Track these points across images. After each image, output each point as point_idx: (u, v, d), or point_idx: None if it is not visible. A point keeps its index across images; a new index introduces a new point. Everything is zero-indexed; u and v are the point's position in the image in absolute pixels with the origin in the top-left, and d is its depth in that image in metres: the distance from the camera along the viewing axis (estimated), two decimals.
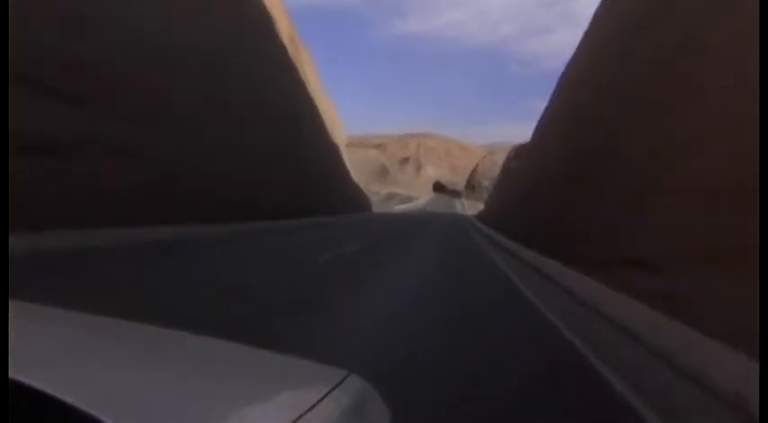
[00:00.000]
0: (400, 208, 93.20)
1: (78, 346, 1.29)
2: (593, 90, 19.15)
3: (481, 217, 57.80)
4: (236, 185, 24.27)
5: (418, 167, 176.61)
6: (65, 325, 1.47)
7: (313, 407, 1.12)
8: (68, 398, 0.89)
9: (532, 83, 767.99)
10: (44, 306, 1.54)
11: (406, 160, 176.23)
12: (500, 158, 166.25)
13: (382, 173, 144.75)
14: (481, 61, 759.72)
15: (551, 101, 30.49)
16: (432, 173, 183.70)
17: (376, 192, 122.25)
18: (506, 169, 43.34)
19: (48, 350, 1.19)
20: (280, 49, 35.78)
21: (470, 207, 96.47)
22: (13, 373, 0.92)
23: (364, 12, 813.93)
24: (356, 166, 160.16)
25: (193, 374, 1.25)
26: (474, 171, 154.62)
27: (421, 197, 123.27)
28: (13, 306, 1.34)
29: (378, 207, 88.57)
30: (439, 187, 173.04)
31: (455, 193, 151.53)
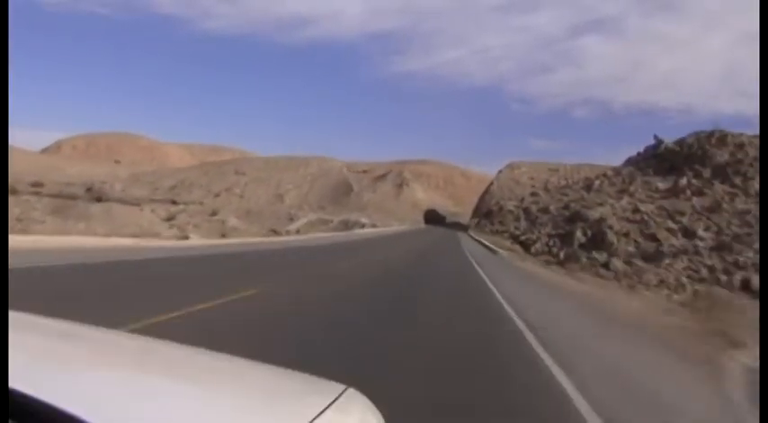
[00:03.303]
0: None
1: (77, 357, 1.42)
2: None
3: None
4: None
5: (399, 185, 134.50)
6: (63, 335, 1.63)
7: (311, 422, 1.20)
8: (68, 408, 0.96)
9: (533, 122, 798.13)
10: (43, 317, 1.70)
11: (381, 177, 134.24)
12: (524, 174, 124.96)
13: (343, 192, 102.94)
14: (481, 99, 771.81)
15: None
16: (423, 197, 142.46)
17: (324, 219, 79.57)
18: None
19: (48, 360, 1.31)
20: None
21: (503, 248, 52.67)
22: (12, 383, 0.99)
23: (363, 49, 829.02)
24: (302, 182, 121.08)
25: (189, 388, 1.34)
26: (486, 192, 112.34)
27: (401, 228, 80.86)
28: (13, 316, 1.48)
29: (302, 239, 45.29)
30: (434, 217, 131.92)
31: (458, 226, 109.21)
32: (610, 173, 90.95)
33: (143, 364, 1.49)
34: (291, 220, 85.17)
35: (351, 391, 1.41)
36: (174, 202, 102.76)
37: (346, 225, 77.80)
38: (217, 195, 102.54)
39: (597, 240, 63.47)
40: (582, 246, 64.86)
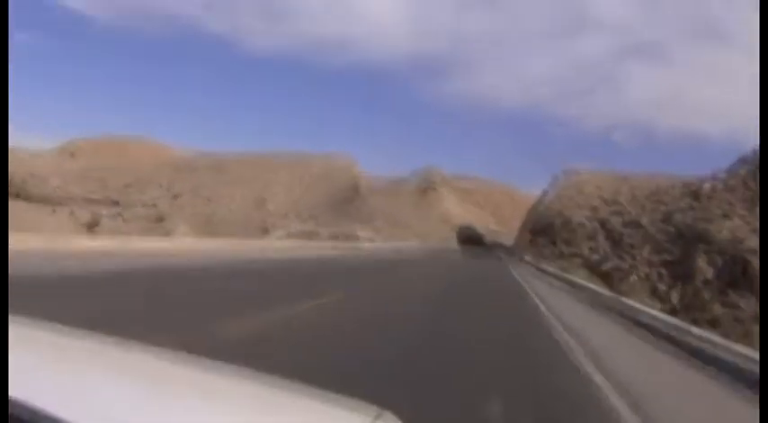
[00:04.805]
0: None
1: (80, 367, 1.39)
2: None
3: None
4: None
5: (424, 191, 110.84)
6: (66, 343, 1.59)
7: None
8: (69, 418, 0.97)
9: (572, 144, 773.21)
10: (44, 322, 1.63)
11: (401, 181, 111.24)
12: (587, 183, 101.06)
13: (347, 198, 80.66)
14: (519, 121, 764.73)
15: None
16: (457, 210, 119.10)
17: (310, 231, 57.45)
18: None
19: (48, 368, 1.28)
20: None
21: None
22: (13, 393, 1.01)
23: (407, 72, 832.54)
24: (297, 184, 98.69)
25: (209, 407, 1.29)
26: (539, 203, 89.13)
27: (410, 246, 58.40)
28: (14, 321, 1.46)
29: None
30: (469, 236, 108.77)
31: (502, 249, 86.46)
32: (722, 175, 66.44)
33: (157, 379, 1.40)
34: (266, 231, 63.44)
35: (386, 414, 1.32)
36: (116, 203, 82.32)
37: (338, 239, 54.89)
38: (176, 197, 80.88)
39: (735, 275, 39.66)
40: (708, 283, 41.03)
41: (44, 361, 1.28)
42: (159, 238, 41.42)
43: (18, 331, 1.38)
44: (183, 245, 34.22)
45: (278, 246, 44.01)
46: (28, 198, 72.44)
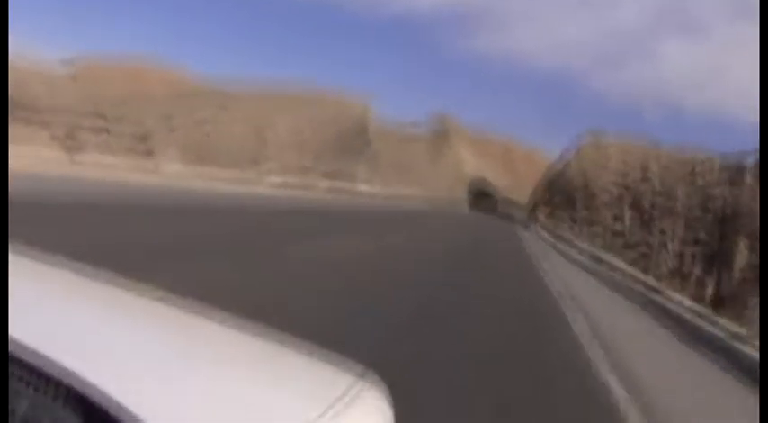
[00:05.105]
0: None
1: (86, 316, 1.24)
2: None
3: None
4: None
5: (437, 144, 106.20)
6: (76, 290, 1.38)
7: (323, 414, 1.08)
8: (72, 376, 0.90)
9: (600, 112, 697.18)
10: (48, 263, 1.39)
11: (413, 135, 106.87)
12: (612, 156, 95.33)
13: (355, 145, 76.05)
14: (547, 83, 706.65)
15: None
16: (472, 165, 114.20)
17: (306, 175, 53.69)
18: None
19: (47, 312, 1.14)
20: None
21: None
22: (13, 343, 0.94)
23: (436, 21, 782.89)
24: (306, 125, 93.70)
25: (177, 349, 1.20)
26: (559, 173, 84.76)
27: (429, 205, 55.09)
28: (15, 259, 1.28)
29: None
30: (480, 191, 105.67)
31: (514, 219, 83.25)
32: None
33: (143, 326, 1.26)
34: (258, 164, 59.71)
35: (370, 373, 1.22)
36: (105, 131, 78.13)
37: (332, 189, 51.02)
38: (172, 130, 76.71)
39: None
40: (747, 280, 36.09)
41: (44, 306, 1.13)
42: None
43: (21, 271, 1.23)
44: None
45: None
46: (11, 114, 68.32)
